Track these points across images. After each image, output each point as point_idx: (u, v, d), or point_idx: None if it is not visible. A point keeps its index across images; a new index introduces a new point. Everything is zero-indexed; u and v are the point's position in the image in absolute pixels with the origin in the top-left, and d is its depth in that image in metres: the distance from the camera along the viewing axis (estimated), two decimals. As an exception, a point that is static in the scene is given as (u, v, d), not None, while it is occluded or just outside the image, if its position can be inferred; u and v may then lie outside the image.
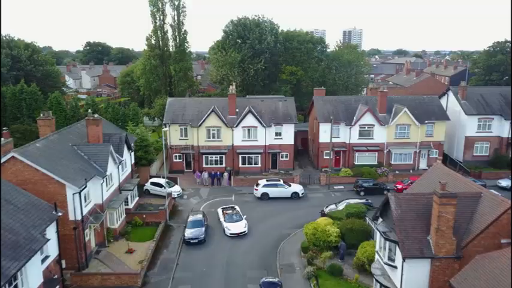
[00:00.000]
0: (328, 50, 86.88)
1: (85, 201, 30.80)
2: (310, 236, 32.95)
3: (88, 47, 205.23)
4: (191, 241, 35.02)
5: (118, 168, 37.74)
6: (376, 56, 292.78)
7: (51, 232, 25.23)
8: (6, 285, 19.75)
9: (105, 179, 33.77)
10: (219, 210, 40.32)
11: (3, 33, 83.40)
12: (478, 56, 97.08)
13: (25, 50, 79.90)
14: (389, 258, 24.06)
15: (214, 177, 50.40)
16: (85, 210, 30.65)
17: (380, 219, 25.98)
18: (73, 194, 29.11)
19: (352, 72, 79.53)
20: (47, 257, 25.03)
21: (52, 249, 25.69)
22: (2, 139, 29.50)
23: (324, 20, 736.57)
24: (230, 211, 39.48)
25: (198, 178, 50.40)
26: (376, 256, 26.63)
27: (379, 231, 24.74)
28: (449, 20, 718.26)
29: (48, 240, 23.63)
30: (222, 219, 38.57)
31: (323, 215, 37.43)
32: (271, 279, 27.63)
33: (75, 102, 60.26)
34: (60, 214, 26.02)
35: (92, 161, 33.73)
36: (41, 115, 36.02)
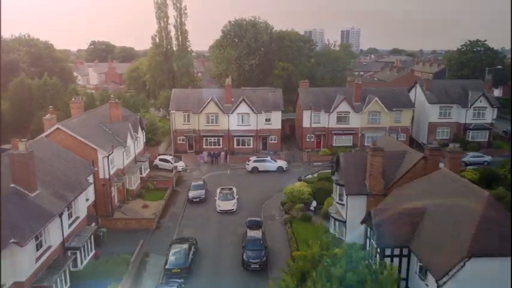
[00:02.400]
0: (317, 48, 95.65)
1: (111, 164, 39.54)
2: (288, 194, 41.71)
3: (93, 46, 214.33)
4: (194, 200, 43.81)
5: (134, 142, 46.54)
6: (372, 55, 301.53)
7: (90, 181, 33.99)
8: (66, 208, 28.42)
9: (125, 149, 42.57)
10: (218, 190, 44.51)
11: (23, 33, 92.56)
12: (451, 54, 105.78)
13: (44, 49, 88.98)
14: (340, 199, 32.84)
15: (213, 156, 59.02)
16: (111, 171, 39.41)
17: (336, 173, 34.72)
18: (103, 157, 37.85)
19: (339, 68, 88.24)
20: (87, 199, 33.77)
21: (90, 194, 34.44)
22: (48, 115, 38.35)
23: (323, 20, 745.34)
24: (226, 191, 43.74)
25: (202, 160, 58.68)
26: (333, 202, 35.36)
27: (334, 180, 33.50)
28: (450, 19, 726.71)
29: (91, 184, 32.39)
30: (217, 197, 42.94)
31: (300, 180, 46.20)
32: (254, 218, 36.42)
33: (91, 93, 69.02)
34: (96, 169, 34.80)
35: (115, 135, 42.47)
36: (73, 99, 44.92)
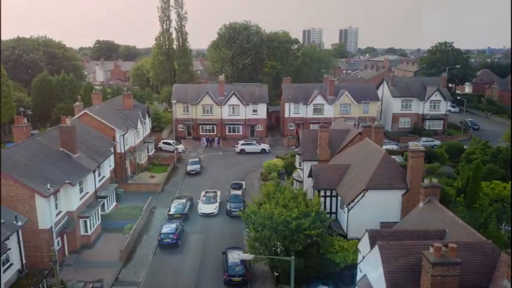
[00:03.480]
0: (303, 48, 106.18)
1: (125, 142, 50.31)
2: (265, 167, 52.62)
3: (97, 45, 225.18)
4: (191, 172, 54.66)
5: (143, 126, 57.35)
6: (367, 54, 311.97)
7: (112, 151, 44.83)
8: (97, 167, 39.14)
9: (136, 131, 53.40)
10: (202, 193, 44.74)
11: (40, 35, 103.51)
12: (423, 54, 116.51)
13: (59, 49, 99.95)
14: (299, 165, 43.64)
15: (208, 141, 69.68)
16: (126, 148, 50.19)
17: (298, 146, 45.52)
18: (119, 136, 48.62)
19: (322, 67, 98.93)
20: (110, 165, 44.55)
21: (112, 162, 45.22)
22: (77, 102, 49.20)
23: (322, 19, 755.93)
24: (210, 194, 44.37)
25: (203, 144, 69.14)
26: (297, 169, 46.12)
27: (295, 151, 44.32)
28: (450, 19, 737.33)
29: (112, 153, 43.18)
30: (199, 200, 43.42)
31: (277, 157, 57.05)
32: (237, 181, 47.31)
33: (103, 88, 79.87)
34: (117, 143, 45.62)
35: (128, 119, 53.27)
36: (93, 91, 55.79)
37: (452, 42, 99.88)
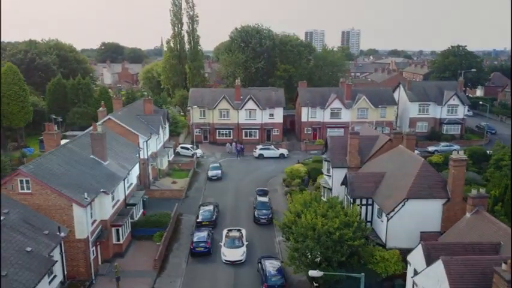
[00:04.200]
0: (316, 51, 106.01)
1: (148, 148, 49.95)
2: (288, 173, 52.21)
3: (103, 47, 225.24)
4: (212, 177, 54.27)
5: (163, 132, 57.00)
6: (371, 56, 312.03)
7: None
8: (127, 175, 38.77)
9: (158, 136, 53.05)
10: (224, 232, 37.39)
11: (52, 38, 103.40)
12: (436, 57, 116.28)
13: (70, 52, 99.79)
14: (327, 172, 43.25)
15: (238, 150, 65.50)
16: (148, 153, 49.82)
17: (325, 153, 45.15)
18: (143, 141, 48.25)
19: (334, 70, 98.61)
20: (135, 171, 44.20)
21: (137, 169, 44.86)
22: (101, 108, 48.85)
23: (323, 20, 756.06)
24: (235, 234, 36.48)
25: (227, 149, 67.58)
26: (324, 176, 45.73)
27: (323, 157, 43.94)
28: (450, 19, 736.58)
29: (139, 159, 42.83)
30: (222, 242, 35.61)
31: (298, 162, 56.65)
32: (262, 188, 46.91)
33: (118, 91, 79.56)
34: (142, 148, 45.26)
35: (150, 125, 52.91)
36: (114, 96, 55.40)
37: (465, 46, 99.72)
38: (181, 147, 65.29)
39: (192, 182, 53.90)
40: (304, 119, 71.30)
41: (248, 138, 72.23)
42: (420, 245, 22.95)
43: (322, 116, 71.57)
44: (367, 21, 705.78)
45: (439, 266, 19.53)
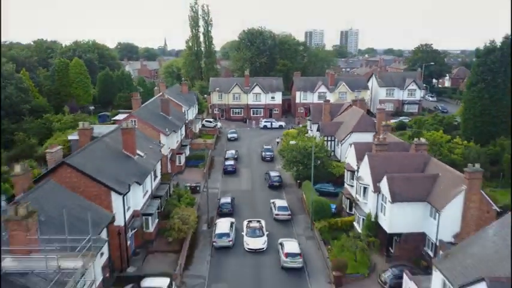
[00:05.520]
0: (312, 48, 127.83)
1: (187, 115, 71.78)
2: (284, 134, 74.30)
3: (119, 46, 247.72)
4: (231, 139, 76.39)
5: (195, 106, 79.02)
6: (366, 55, 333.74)
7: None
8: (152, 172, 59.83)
9: (194, 107, 75.07)
10: (245, 222, 40.19)
11: (87, 39, 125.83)
12: (409, 54, 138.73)
13: (106, 50, 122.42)
14: (310, 126, 65.34)
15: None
16: (189, 118, 71.63)
17: (309, 115, 67.19)
18: (185, 110, 70.14)
19: (324, 65, 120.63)
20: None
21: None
22: (135, 95, 70.91)
23: (323, 20, 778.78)
24: (255, 224, 39.11)
25: (249, 127, 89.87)
26: (308, 130, 67.67)
27: (307, 119, 66.08)
28: (450, 19, 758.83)
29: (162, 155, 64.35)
30: (244, 232, 38.43)
31: (292, 128, 78.89)
32: (267, 147, 69.01)
33: (152, 83, 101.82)
34: (163, 144, 66.83)
35: (189, 101, 74.80)
36: (161, 81, 77.49)
37: (431, 44, 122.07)
38: (206, 121, 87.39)
39: (217, 142, 75.96)
40: (298, 100, 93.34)
41: (255, 115, 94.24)
42: (353, 146, 44.57)
43: (312, 98, 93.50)
44: (367, 21, 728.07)
45: (365, 159, 40.90)
